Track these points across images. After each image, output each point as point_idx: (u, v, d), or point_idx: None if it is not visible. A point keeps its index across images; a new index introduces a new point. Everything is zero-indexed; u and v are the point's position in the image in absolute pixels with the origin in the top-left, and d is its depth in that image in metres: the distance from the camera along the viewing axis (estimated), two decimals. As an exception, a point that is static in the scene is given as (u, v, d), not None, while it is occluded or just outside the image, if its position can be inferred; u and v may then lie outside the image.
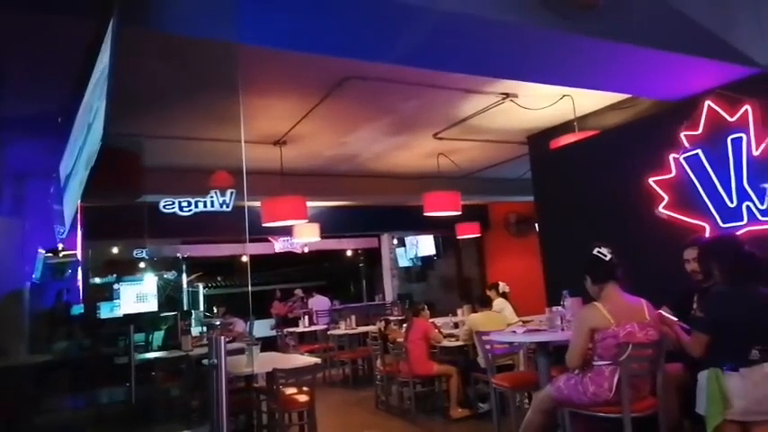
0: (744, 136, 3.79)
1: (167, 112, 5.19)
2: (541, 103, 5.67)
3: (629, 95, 5.27)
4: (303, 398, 5.20)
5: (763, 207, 3.69)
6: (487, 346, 4.72)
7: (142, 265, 9.31)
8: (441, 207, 7.28)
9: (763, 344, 2.88)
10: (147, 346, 7.86)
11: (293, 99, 5.22)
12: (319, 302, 11.92)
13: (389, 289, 13.46)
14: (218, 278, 17.75)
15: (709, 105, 4.00)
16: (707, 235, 3.98)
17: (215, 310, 12.65)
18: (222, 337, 1.74)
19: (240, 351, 5.62)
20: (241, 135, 5.42)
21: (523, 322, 5.58)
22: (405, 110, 5.73)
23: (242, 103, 5.20)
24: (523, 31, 3.16)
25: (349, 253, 15.14)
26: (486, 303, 6.51)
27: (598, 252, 3.43)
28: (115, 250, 9.44)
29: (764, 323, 2.92)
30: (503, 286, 7.18)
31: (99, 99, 2.50)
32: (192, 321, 11.27)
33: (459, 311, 8.84)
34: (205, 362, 5.68)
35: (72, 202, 3.87)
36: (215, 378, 1.74)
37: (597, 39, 3.27)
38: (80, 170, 3.02)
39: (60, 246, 5.60)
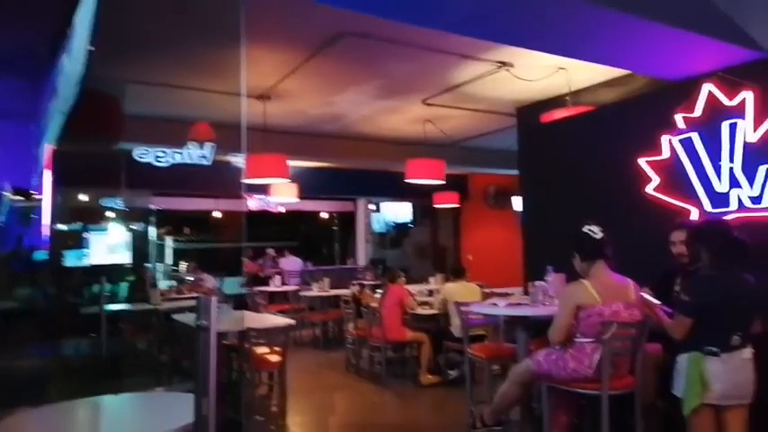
0: (740, 122, 3.76)
1: (153, 56, 4.93)
2: (536, 75, 5.57)
3: (626, 72, 5.21)
4: (275, 358, 5.16)
5: (754, 195, 3.69)
6: (469, 316, 4.72)
7: (110, 214, 9.03)
8: (424, 175, 7.19)
9: (744, 330, 2.92)
10: (113, 298, 7.69)
11: (281, 52, 5.00)
12: (291, 263, 11.84)
13: (362, 253, 13.44)
14: (187, 232, 17.44)
15: (708, 88, 3.94)
16: (693, 219, 3.98)
17: (183, 265, 12.47)
18: (214, 298, 1.63)
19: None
20: (241, 88, 5.19)
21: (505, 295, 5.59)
22: (397, 73, 5.56)
23: (227, 54, 4.97)
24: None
25: (324, 215, 15.02)
26: (460, 274, 6.52)
27: (588, 230, 3.40)
28: (83, 197, 9.13)
29: (747, 309, 2.96)
30: None
31: (82, 38, 2.31)
32: (160, 275, 11.09)
33: (431, 280, 8.88)
34: (176, 317, 5.58)
35: (47, 145, 3.66)
36: (204, 340, 1.63)
37: (603, 7, 3.15)
38: (58, 112, 2.82)
39: (30, 190, 5.35)
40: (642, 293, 3.39)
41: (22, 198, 5.38)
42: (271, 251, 12.47)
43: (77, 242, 7.69)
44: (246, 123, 6.70)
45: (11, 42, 3.53)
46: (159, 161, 5.66)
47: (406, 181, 7.39)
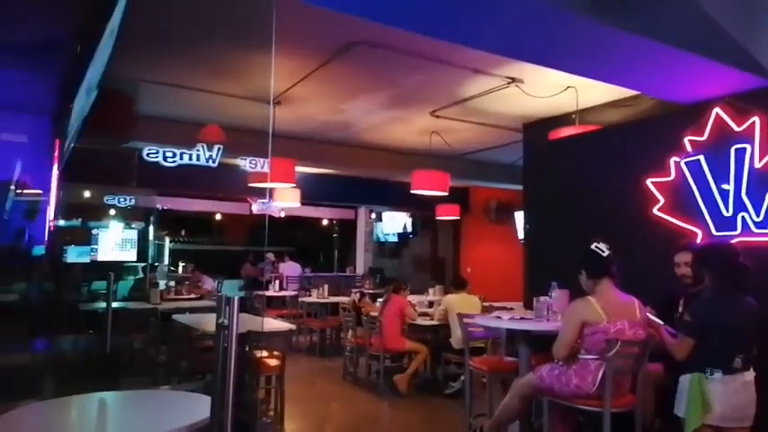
0: (748, 147, 3.80)
1: (170, 57, 4.97)
2: (546, 92, 5.62)
3: (634, 93, 5.26)
4: (274, 362, 5.16)
5: (759, 219, 3.73)
6: (469, 329, 4.74)
7: (112, 212, 9.03)
8: (429, 186, 7.23)
9: (746, 353, 2.95)
10: (112, 296, 7.65)
11: (295, 58, 5.04)
12: (291, 268, 11.84)
13: (361, 262, 13.45)
14: (183, 233, 17.43)
15: (717, 113, 3.99)
16: (698, 241, 4.01)
17: (180, 266, 12.45)
18: (236, 298, 1.65)
19: (210, 309, 5.53)
20: (271, 93, 5.21)
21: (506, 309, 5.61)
22: (408, 83, 5.61)
23: (241, 57, 5.02)
24: (544, 11, 3.06)
25: (324, 222, 15.02)
26: (461, 286, 6.54)
27: (596, 247, 3.43)
28: (87, 194, 9.12)
29: (749, 332, 2.98)
30: None
31: (112, 37, 2.34)
32: (159, 275, 11.07)
33: (430, 291, 8.89)
34: (176, 317, 5.56)
35: (57, 140, 3.67)
36: (224, 338, 1.64)
37: (618, 29, 3.19)
38: (81, 109, 2.84)
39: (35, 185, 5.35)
40: (648, 315, 3.41)
41: (29, 192, 5.37)
42: (270, 256, 12.47)
43: (80, 238, 7.69)
44: (255, 127, 6.75)
45: (36, 35, 3.52)
46: (167, 161, 5.64)
47: (410, 191, 7.42)
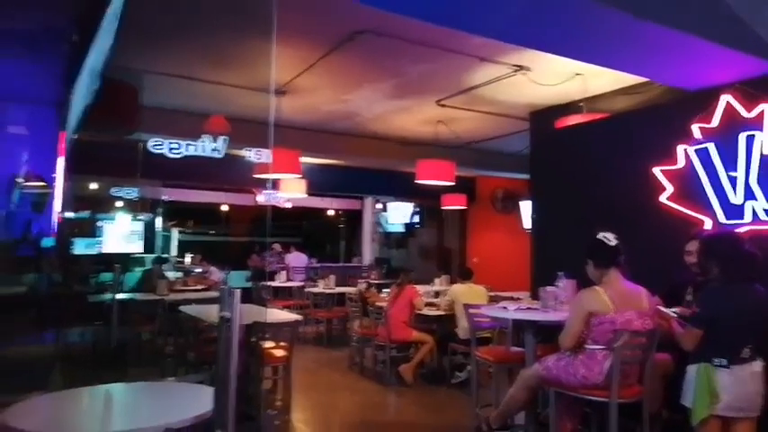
0: (758, 134, 3.75)
1: (173, 47, 4.96)
2: (553, 80, 5.56)
3: (642, 80, 5.19)
4: (280, 353, 5.17)
5: (768, 207, 3.69)
6: (475, 319, 4.73)
7: (119, 203, 9.07)
8: (434, 176, 7.19)
9: (755, 342, 2.91)
10: (120, 287, 7.70)
11: (300, 48, 5.01)
12: (297, 259, 11.85)
13: (368, 252, 13.46)
14: (191, 224, 17.51)
15: (726, 99, 3.93)
16: (708, 229, 3.97)
17: (188, 257, 12.50)
18: (238, 291, 1.63)
19: (217, 300, 5.52)
20: (272, 82, 5.18)
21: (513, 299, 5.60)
22: (413, 72, 5.57)
23: (245, 48, 4.99)
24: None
25: (330, 212, 15.03)
26: (467, 276, 6.52)
27: (603, 237, 3.40)
28: (94, 186, 9.16)
29: (757, 322, 2.94)
30: None
31: (112, 26, 2.31)
32: (167, 266, 11.11)
33: (436, 281, 8.89)
34: (183, 308, 5.58)
35: (62, 132, 3.66)
36: (227, 331, 1.63)
37: (626, 14, 3.13)
38: (83, 99, 2.82)
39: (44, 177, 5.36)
40: (659, 307, 3.38)
41: (36, 184, 5.38)
42: (276, 246, 12.49)
43: (88, 230, 7.73)
44: (260, 118, 6.71)
45: (37, 24, 3.48)
46: (172, 152, 5.63)
47: (415, 181, 7.39)
